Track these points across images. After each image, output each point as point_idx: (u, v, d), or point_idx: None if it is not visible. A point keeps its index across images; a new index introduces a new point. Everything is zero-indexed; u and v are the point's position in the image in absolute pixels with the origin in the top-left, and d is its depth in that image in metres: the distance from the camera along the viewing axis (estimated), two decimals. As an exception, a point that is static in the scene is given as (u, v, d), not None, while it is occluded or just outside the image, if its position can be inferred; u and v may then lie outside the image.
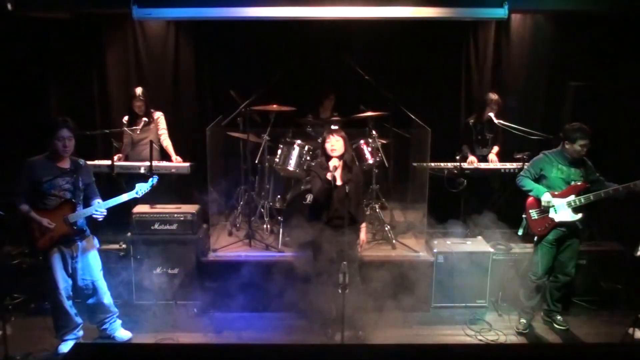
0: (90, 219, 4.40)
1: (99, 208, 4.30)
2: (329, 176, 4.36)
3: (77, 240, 4.39)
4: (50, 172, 4.23)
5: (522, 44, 6.35)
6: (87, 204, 4.41)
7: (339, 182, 4.46)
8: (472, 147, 6.02)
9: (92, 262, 4.48)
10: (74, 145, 4.29)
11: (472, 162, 5.78)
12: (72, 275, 4.41)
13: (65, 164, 4.31)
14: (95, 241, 4.57)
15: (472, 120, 5.99)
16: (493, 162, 5.85)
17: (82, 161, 4.42)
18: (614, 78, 5.86)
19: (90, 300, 4.54)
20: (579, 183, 4.58)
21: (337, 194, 4.43)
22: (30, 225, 4.24)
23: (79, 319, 4.52)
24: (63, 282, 4.35)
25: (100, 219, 4.35)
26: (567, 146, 4.56)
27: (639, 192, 4.43)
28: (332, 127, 5.13)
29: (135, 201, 5.07)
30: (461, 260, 5.10)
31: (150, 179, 4.50)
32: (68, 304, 4.41)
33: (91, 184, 4.46)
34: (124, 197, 4.39)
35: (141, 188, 4.43)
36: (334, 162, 4.41)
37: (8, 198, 4.28)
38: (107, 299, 4.60)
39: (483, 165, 5.79)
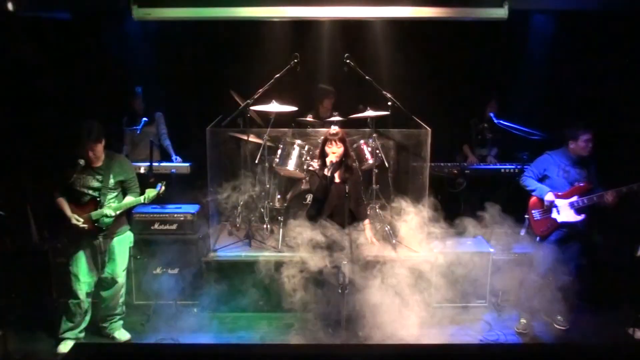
0: (124, 214, 4.52)
1: (111, 212, 4.34)
2: (325, 171, 4.39)
3: (107, 236, 4.46)
4: (83, 169, 4.31)
5: (522, 44, 6.35)
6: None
7: (337, 180, 4.47)
8: (472, 147, 6.02)
9: (117, 258, 4.53)
10: (103, 146, 4.36)
11: (472, 162, 5.78)
12: (100, 267, 4.48)
13: (98, 162, 4.37)
14: (128, 238, 4.62)
15: (472, 120, 5.99)
16: (491, 162, 5.86)
17: (118, 158, 4.49)
18: (614, 78, 5.86)
19: (106, 293, 4.58)
20: (582, 184, 4.59)
21: (336, 192, 4.44)
22: (63, 217, 4.36)
23: (84, 319, 4.53)
24: (84, 276, 4.43)
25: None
26: (571, 146, 4.57)
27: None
28: (333, 127, 5.12)
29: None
30: (461, 260, 5.10)
31: (157, 187, 4.51)
32: (83, 299, 4.45)
33: (128, 180, 4.50)
34: (132, 203, 4.46)
35: (149, 194, 4.46)
36: (331, 158, 4.44)
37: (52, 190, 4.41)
38: (119, 298, 4.63)
39: (483, 166, 5.79)
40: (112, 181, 4.39)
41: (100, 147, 4.32)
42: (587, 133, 4.50)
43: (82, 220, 4.32)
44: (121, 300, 4.66)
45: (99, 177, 4.36)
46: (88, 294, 4.48)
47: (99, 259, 4.46)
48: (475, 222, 5.44)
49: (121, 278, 4.58)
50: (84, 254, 4.43)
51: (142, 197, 4.45)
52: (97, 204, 4.36)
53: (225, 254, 5.35)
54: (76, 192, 4.34)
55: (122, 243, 4.56)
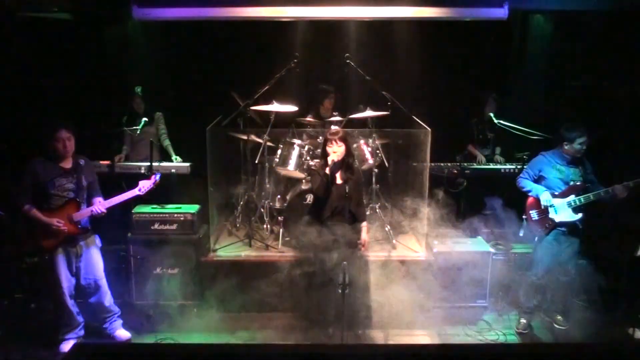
0: (92, 218, 4.45)
1: (100, 207, 4.32)
2: (327, 170, 4.39)
3: (80, 240, 4.42)
4: (53, 172, 4.27)
5: (522, 44, 6.36)
6: (88, 202, 4.45)
7: (338, 181, 4.47)
8: (474, 147, 6.02)
9: (95, 261, 4.51)
10: (74, 144, 4.33)
11: (480, 160, 5.79)
12: (76, 274, 4.45)
13: (67, 164, 4.35)
14: (98, 240, 4.60)
15: (473, 120, 6.00)
16: (499, 162, 5.87)
17: (83, 159, 4.45)
18: (614, 78, 5.86)
19: (92, 299, 4.57)
20: (577, 183, 4.60)
21: (337, 192, 4.44)
22: (35, 225, 4.26)
23: (80, 318, 4.54)
24: (66, 282, 4.39)
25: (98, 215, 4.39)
26: (566, 147, 4.58)
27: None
28: (333, 127, 5.13)
29: (135, 201, 5.08)
30: (461, 260, 5.10)
31: (154, 176, 4.50)
32: (70, 303, 4.44)
33: (93, 182, 4.49)
34: (127, 195, 4.42)
35: (144, 185, 4.43)
36: (332, 157, 4.44)
37: (11, 199, 4.31)
38: (108, 298, 4.63)
39: (483, 166, 5.80)
40: (84, 182, 4.37)
41: (72, 143, 4.29)
42: (583, 136, 4.50)
43: (63, 222, 4.27)
44: (112, 300, 4.65)
45: (71, 178, 4.33)
46: (71, 296, 4.45)
47: (74, 264, 4.42)
48: (475, 222, 5.45)
49: (103, 279, 4.56)
50: (60, 260, 4.36)
51: (136, 189, 4.42)
52: (77, 205, 4.32)
53: (225, 254, 5.35)
54: (48, 196, 4.27)
55: (94, 247, 4.53)
